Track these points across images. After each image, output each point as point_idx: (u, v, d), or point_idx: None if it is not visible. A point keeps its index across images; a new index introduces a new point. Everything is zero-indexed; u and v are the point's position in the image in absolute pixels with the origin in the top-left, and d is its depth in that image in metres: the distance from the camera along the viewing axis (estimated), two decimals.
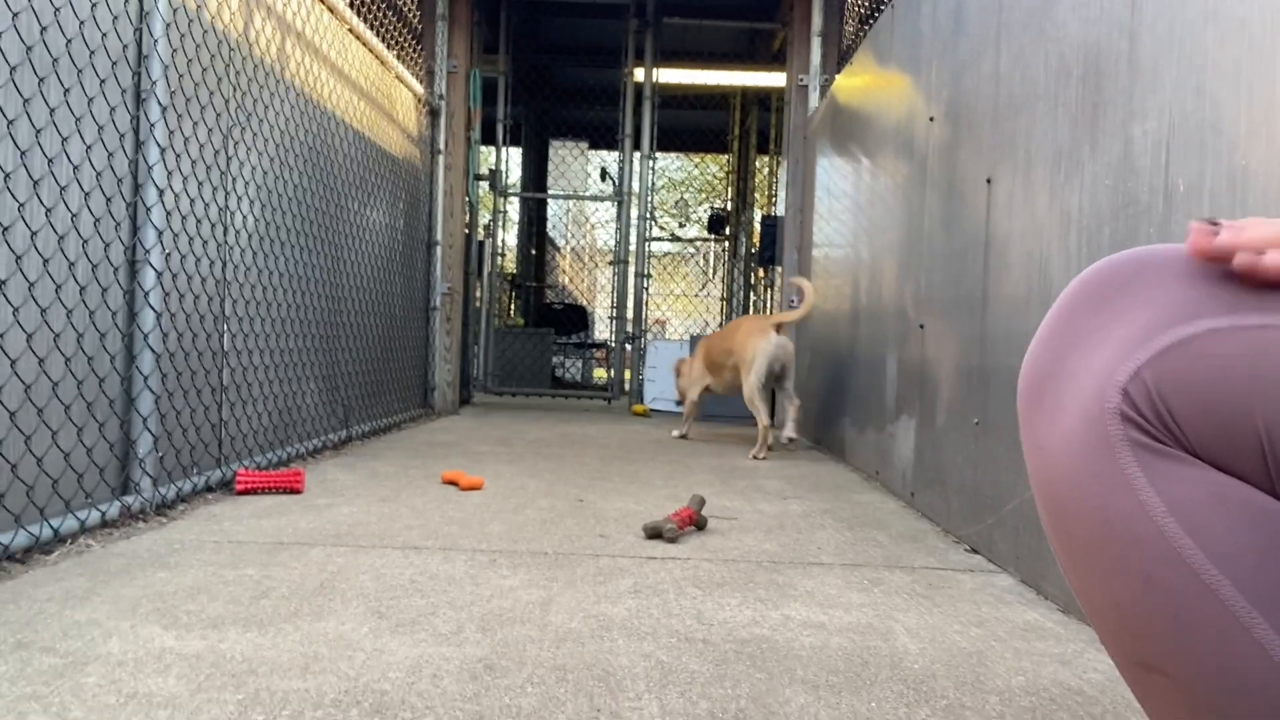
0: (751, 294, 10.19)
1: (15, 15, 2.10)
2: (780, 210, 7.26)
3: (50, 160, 2.25)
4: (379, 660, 1.59)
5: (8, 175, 2.09)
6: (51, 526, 2.21)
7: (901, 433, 3.40)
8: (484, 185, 7.96)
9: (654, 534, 2.59)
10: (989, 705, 1.49)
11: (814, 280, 5.54)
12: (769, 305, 9.66)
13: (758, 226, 8.55)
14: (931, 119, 3.19)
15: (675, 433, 5.45)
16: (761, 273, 9.73)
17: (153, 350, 2.65)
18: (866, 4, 5.36)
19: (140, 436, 2.63)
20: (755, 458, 4.47)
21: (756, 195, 10.73)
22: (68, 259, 2.33)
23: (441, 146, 6.17)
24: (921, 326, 3.17)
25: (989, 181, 2.59)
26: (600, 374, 10.98)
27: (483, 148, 7.94)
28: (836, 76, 5.26)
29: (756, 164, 10.78)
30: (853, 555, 2.50)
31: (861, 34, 5.47)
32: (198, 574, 2.09)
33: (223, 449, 3.19)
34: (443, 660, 1.60)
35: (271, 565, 2.18)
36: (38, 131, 2.19)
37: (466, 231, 7.03)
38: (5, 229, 2.09)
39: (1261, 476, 0.51)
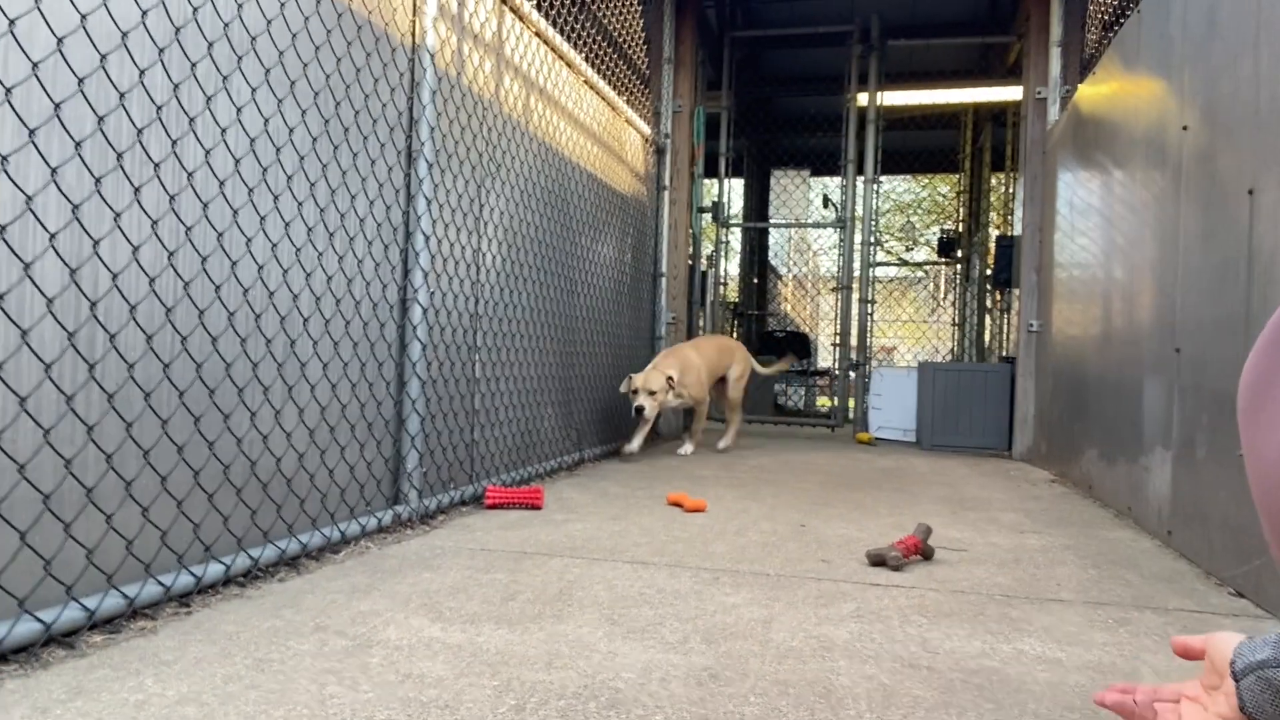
0: (987, 318, 9.71)
1: (316, 93, 2.49)
2: (1017, 229, 6.90)
3: (343, 215, 2.62)
4: (613, 661, 1.72)
5: (310, 229, 2.47)
6: (340, 530, 2.56)
7: (1157, 465, 3.14)
8: (707, 217, 8.17)
9: (878, 561, 2.57)
10: None
11: (1055, 303, 5.22)
12: (1005, 330, 9.16)
13: (992, 248, 8.16)
14: (1185, 127, 2.97)
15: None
16: (998, 296, 9.25)
17: (419, 377, 3.00)
18: (1109, 10, 5.04)
19: (409, 454, 2.98)
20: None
21: (992, 215, 10.24)
22: (354, 298, 2.70)
23: (667, 182, 6.43)
24: (1178, 350, 2.93)
25: (1251, 192, 2.38)
26: (824, 402, 10.84)
27: (706, 181, 8.17)
28: (1079, 86, 4.97)
29: (991, 182, 10.29)
30: (1097, 593, 2.35)
31: (1105, 42, 5.14)
32: (456, 576, 2.33)
33: (474, 466, 3.52)
34: (670, 666, 1.71)
35: (517, 571, 2.40)
36: (333, 191, 2.57)
37: (690, 263, 7.25)
38: (309, 274, 2.47)
39: None
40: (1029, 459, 5.72)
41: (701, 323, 8.31)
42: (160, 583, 1.90)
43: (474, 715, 1.45)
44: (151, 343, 1.94)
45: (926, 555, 2.68)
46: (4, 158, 1.59)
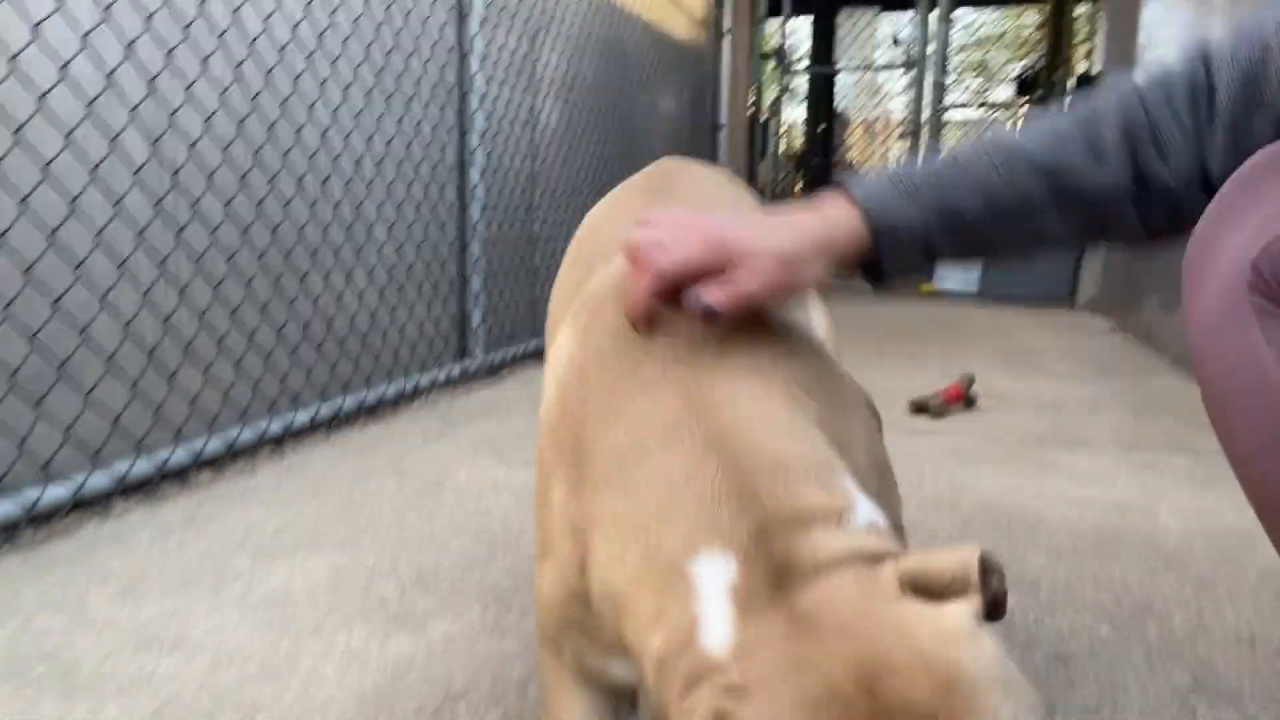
0: None
1: None
2: (1097, 67, 6.55)
3: (398, 77, 2.68)
4: None
5: (368, 92, 2.54)
6: (412, 383, 2.76)
7: None
8: (769, 64, 7.91)
9: (920, 408, 2.68)
10: (1245, 579, 1.49)
11: None
12: None
13: (1071, 86, 7.76)
14: None
15: None
16: None
17: (479, 238, 3.12)
18: None
19: (472, 311, 3.14)
20: None
21: (1076, 50, 9.64)
22: (413, 161, 2.79)
23: (727, 26, 6.23)
24: None
25: None
26: None
27: (770, 20, 7.84)
28: None
29: (1075, 12, 9.64)
30: (1131, 438, 2.43)
31: None
32: (519, 424, 2.52)
33: (536, 323, 3.68)
34: None
35: None
36: (387, 53, 2.63)
37: (751, 111, 7.10)
38: (369, 138, 2.56)
39: None
40: (1091, 309, 5.66)
41: (763, 176, 8.19)
42: (255, 428, 2.12)
43: (528, 550, 1.64)
44: (229, 208, 2.08)
45: (968, 403, 2.77)
46: (86, 33, 1.69)
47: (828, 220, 0.74)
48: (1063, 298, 6.07)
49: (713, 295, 0.67)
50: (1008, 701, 0.48)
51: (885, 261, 0.75)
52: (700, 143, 6.05)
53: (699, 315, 0.67)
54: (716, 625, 0.52)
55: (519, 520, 1.75)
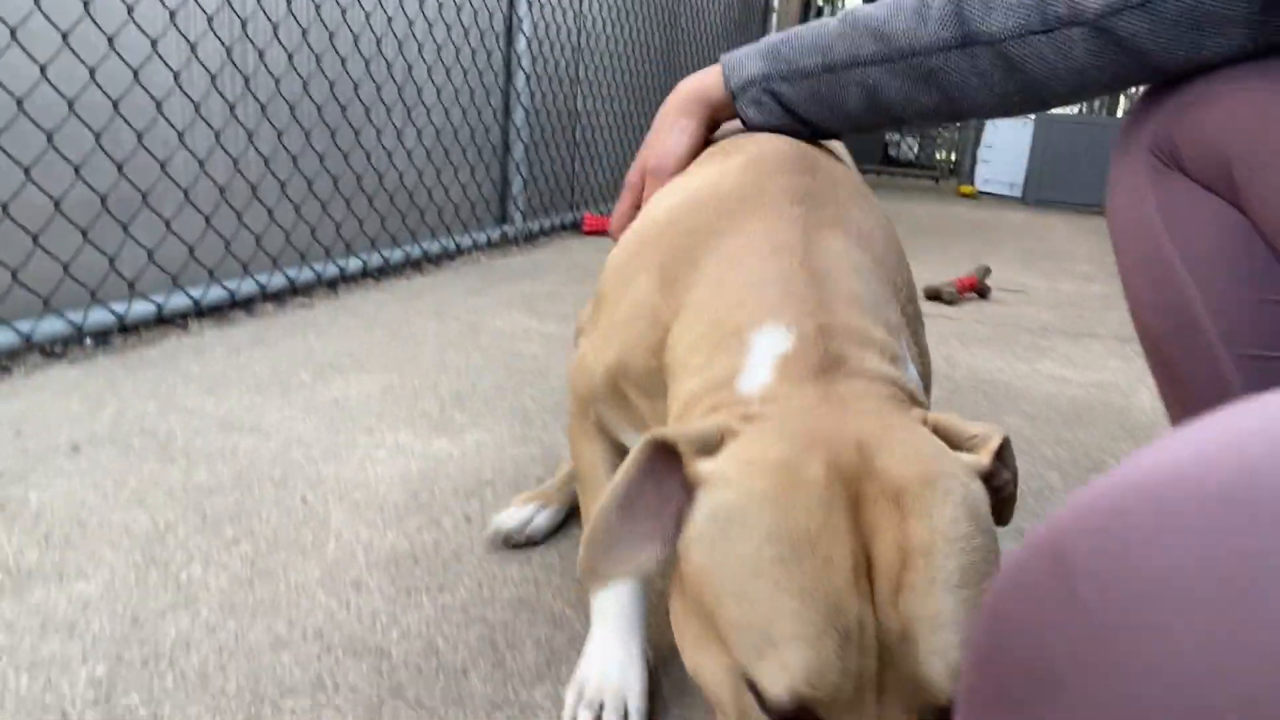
0: None
1: None
2: None
3: None
4: None
5: None
6: (455, 241, 2.93)
7: None
8: None
9: (933, 295, 2.81)
10: None
11: None
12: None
13: None
14: None
15: None
16: None
17: (524, 107, 3.23)
18: None
19: (514, 178, 3.28)
20: None
21: None
22: (463, 26, 2.89)
23: None
24: None
25: None
26: (943, 157, 10.52)
27: None
28: None
29: None
30: (1130, 332, 2.55)
31: None
32: (553, 284, 2.70)
33: (574, 196, 3.81)
34: None
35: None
36: None
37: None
38: (421, 0, 2.66)
39: (1228, 190, 0.70)
40: None
41: None
42: (313, 269, 2.32)
43: (558, 377, 1.84)
44: (292, 61, 2.22)
45: (982, 294, 2.89)
46: None
47: (697, 85, 0.93)
48: (1101, 206, 6.04)
49: (615, 230, 0.97)
50: (970, 529, 0.52)
51: (744, 110, 0.91)
52: (750, 24, 5.98)
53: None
54: (757, 376, 0.60)
55: (545, 360, 1.95)
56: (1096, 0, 0.72)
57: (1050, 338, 2.44)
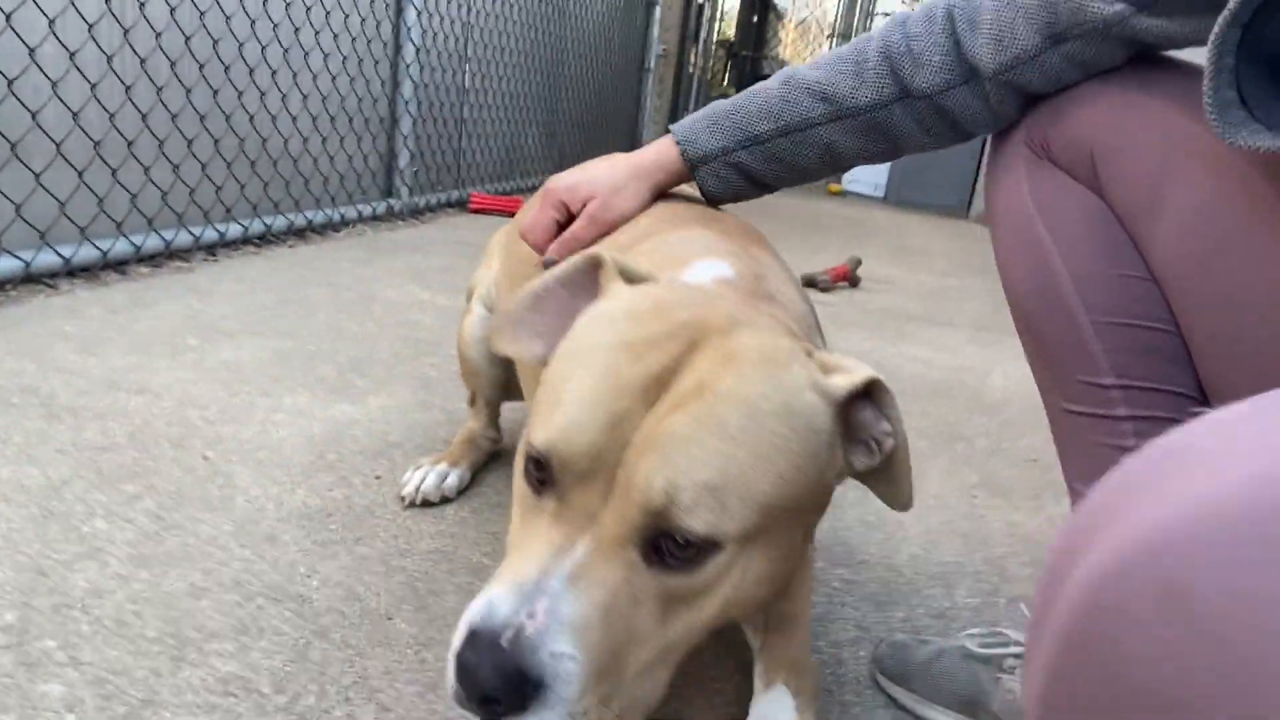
0: None
1: None
2: None
3: None
4: None
5: None
6: (340, 212, 2.87)
7: None
8: None
9: (809, 283, 2.96)
10: (1044, 424, 1.83)
11: None
12: None
13: None
14: None
15: None
16: None
17: (412, 80, 3.19)
18: None
19: (401, 152, 3.23)
20: None
21: None
22: None
23: None
24: None
25: None
26: None
27: None
28: None
29: None
30: (987, 322, 2.78)
31: None
32: (443, 259, 2.69)
33: (461, 174, 3.78)
34: None
35: None
36: None
37: None
38: None
39: (1091, 179, 0.81)
40: (982, 221, 6.06)
41: (694, 62, 8.19)
42: (191, 232, 2.23)
43: (452, 352, 1.85)
44: (175, 15, 2.13)
45: (853, 283, 3.07)
46: None
47: (651, 158, 0.98)
48: (958, 209, 6.45)
49: (552, 253, 0.97)
50: (772, 410, 0.55)
51: (703, 185, 0.99)
52: (634, 14, 6.06)
53: (545, 266, 0.94)
54: (685, 274, 0.71)
55: (443, 331, 1.95)
56: (993, 63, 0.85)
57: (915, 324, 2.63)
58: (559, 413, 0.57)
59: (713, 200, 1.01)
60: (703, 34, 8.34)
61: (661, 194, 1.00)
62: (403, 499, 1.17)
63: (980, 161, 6.30)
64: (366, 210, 3.03)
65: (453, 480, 1.21)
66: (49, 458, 1.16)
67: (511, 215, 3.66)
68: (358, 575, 1.00)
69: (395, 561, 1.04)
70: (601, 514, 0.54)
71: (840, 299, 2.87)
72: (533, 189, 4.54)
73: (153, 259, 2.15)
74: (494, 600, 0.53)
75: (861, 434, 0.64)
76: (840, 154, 0.95)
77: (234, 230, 2.38)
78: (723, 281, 0.74)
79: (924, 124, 0.92)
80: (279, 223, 2.56)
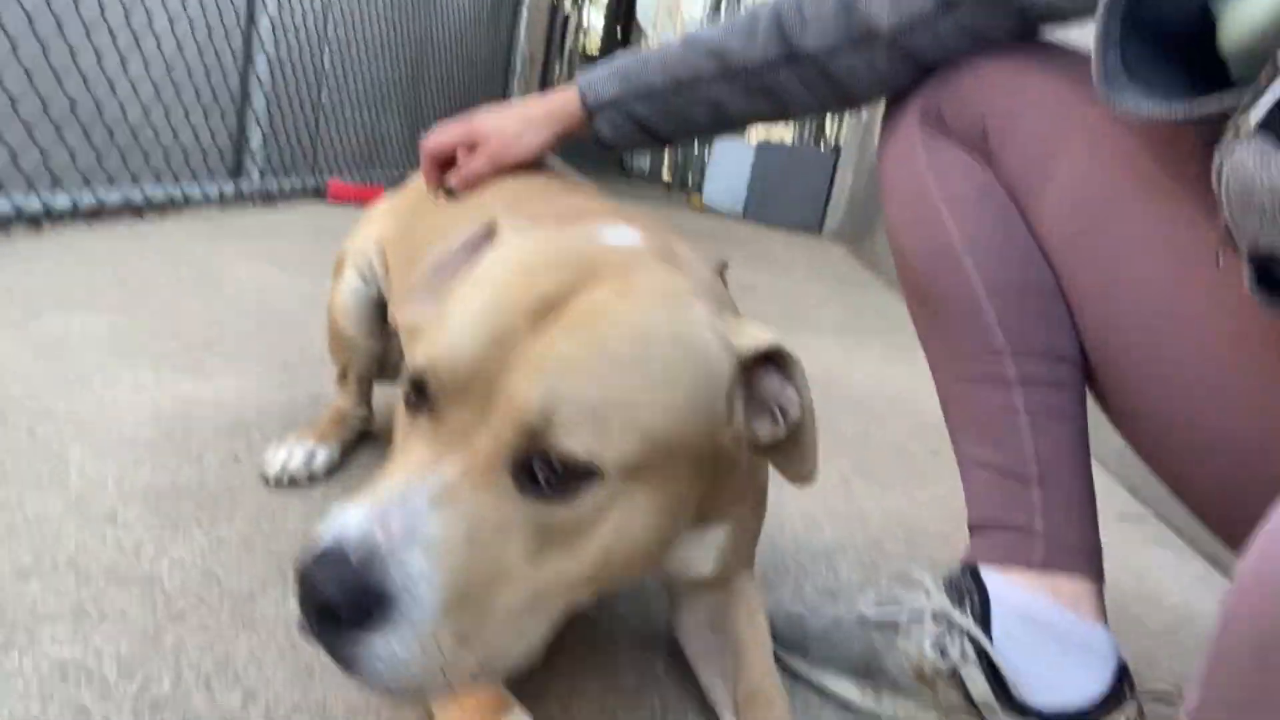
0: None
1: None
2: None
3: None
4: None
5: None
6: (183, 190, 2.66)
7: None
8: None
9: None
10: (905, 415, 1.90)
11: None
12: (842, 118, 9.54)
13: None
14: None
15: None
16: None
17: (267, 54, 3.00)
18: None
19: (252, 130, 3.04)
20: None
21: None
22: None
23: None
24: None
25: None
26: (669, 173, 11.12)
27: None
28: None
29: None
30: (845, 326, 2.88)
31: None
32: (297, 246, 2.54)
33: (317, 160, 3.60)
34: None
35: None
36: None
37: (554, 2, 7.08)
38: None
39: (983, 152, 0.85)
40: (833, 238, 6.32)
41: (559, 71, 8.19)
42: (11, 201, 2.01)
43: (315, 336, 1.74)
44: None
45: None
46: None
47: (554, 101, 1.01)
48: (812, 226, 6.71)
49: (451, 179, 1.00)
50: (663, 343, 0.53)
51: (600, 131, 1.00)
52: (501, 17, 5.98)
53: (443, 194, 0.99)
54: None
55: (303, 315, 1.83)
56: (887, 21, 0.86)
57: (782, 328, 2.69)
58: (442, 332, 0.53)
59: (607, 147, 1.02)
60: (567, 44, 8.36)
61: (561, 141, 1.01)
62: (266, 478, 1.08)
63: (832, 183, 6.58)
64: (213, 190, 2.83)
65: (321, 458, 1.12)
66: None
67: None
68: (216, 557, 0.90)
69: (259, 543, 0.94)
70: (476, 434, 0.51)
71: None
72: (395, 181, 4.38)
73: None
74: (348, 516, 0.48)
75: (766, 402, 0.61)
76: (728, 113, 0.97)
77: (61, 201, 2.16)
78: (629, 246, 0.70)
79: (810, 87, 0.93)
80: (113, 196, 2.35)
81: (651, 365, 0.52)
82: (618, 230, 0.68)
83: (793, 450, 0.63)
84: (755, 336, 0.59)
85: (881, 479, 1.52)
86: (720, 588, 0.80)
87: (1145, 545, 1.44)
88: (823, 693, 0.87)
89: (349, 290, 1.16)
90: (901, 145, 0.92)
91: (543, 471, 0.50)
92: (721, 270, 2.82)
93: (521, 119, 1.00)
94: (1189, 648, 1.11)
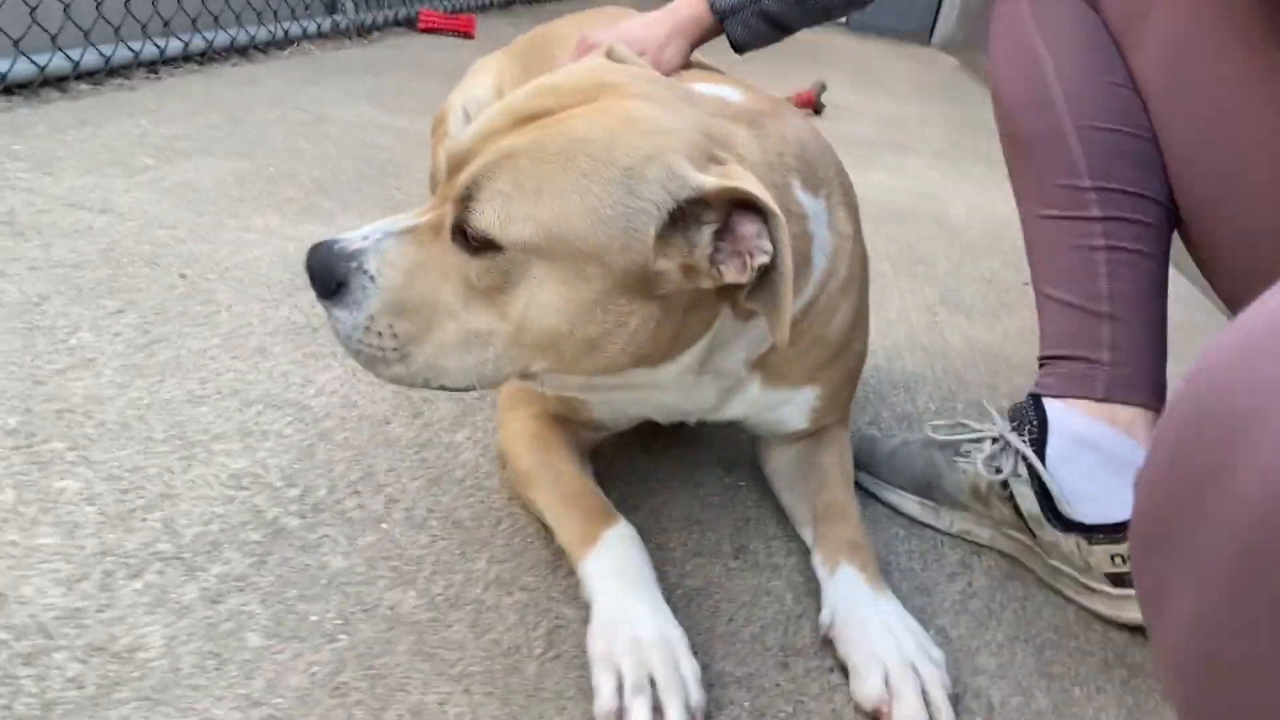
0: None
1: None
2: None
3: None
4: None
5: None
6: (283, 28, 2.71)
7: None
8: None
9: None
10: (1001, 247, 1.89)
11: None
12: None
13: None
14: None
15: None
16: None
17: None
18: None
19: None
20: None
21: None
22: None
23: None
24: None
25: None
26: None
27: None
28: None
29: None
30: (945, 149, 2.79)
31: None
32: (397, 79, 2.58)
33: None
34: None
35: (450, 82, 2.64)
36: None
37: None
38: None
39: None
40: (943, 46, 5.94)
41: None
42: (130, 48, 2.11)
43: (421, 170, 1.82)
44: None
45: (817, 110, 3.03)
46: None
47: (681, 12, 1.01)
48: (921, 34, 6.30)
49: None
50: (604, 153, 0.60)
51: (732, 35, 1.02)
52: None
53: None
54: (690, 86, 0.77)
55: (404, 154, 1.91)
56: None
57: (879, 151, 2.63)
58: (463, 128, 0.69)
59: (740, 49, 1.05)
60: None
61: (696, 46, 1.05)
62: None
63: None
64: (311, 27, 2.87)
65: None
66: (21, 274, 1.15)
67: (464, 35, 3.49)
68: (352, 384, 1.03)
69: None
70: (442, 203, 0.66)
71: None
72: (484, 8, 4.31)
73: (92, 76, 2.03)
74: (347, 232, 0.68)
75: (740, 245, 0.63)
76: None
77: (174, 46, 2.25)
78: (717, 98, 0.74)
79: None
80: (220, 39, 2.42)
81: (570, 172, 0.61)
82: (718, 88, 0.78)
83: (766, 301, 0.64)
84: (719, 180, 0.61)
85: (968, 310, 1.54)
86: (811, 435, 0.89)
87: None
88: (888, 506, 0.96)
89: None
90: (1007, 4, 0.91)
91: (469, 235, 0.63)
92: (820, 91, 2.77)
93: (663, 32, 1.02)
94: None
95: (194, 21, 2.37)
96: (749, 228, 0.63)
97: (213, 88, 2.18)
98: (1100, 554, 0.79)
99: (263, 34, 2.62)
